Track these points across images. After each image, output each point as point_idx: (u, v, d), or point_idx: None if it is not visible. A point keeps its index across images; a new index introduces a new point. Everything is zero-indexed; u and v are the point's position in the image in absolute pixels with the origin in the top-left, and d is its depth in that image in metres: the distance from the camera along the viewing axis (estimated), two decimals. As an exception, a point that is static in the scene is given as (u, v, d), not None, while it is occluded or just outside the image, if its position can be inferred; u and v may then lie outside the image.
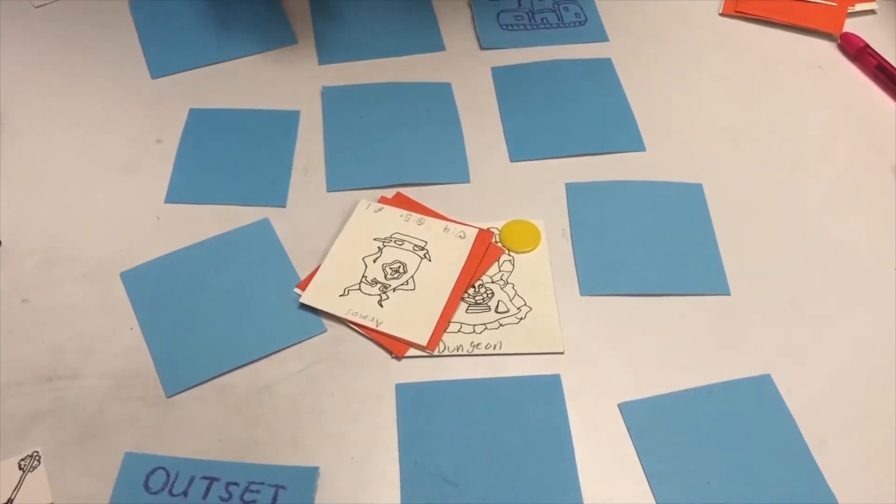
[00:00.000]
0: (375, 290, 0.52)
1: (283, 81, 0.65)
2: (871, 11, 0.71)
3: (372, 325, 0.51)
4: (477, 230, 0.55)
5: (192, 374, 0.49)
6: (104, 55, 0.66)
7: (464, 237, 0.55)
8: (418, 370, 0.50)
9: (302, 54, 0.67)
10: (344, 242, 0.55)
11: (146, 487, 0.45)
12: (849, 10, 0.71)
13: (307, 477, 0.45)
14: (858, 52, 0.67)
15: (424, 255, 0.54)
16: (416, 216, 0.56)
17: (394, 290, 0.52)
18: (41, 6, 0.70)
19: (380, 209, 0.56)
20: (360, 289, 0.52)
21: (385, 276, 0.53)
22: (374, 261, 0.54)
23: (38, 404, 0.48)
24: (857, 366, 0.51)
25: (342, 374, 0.49)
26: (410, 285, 0.53)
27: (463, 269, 0.53)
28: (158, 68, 0.65)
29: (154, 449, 0.46)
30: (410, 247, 0.54)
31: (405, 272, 0.53)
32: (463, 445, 0.47)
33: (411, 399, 0.48)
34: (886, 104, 0.65)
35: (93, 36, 0.67)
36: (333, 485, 0.45)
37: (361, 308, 0.51)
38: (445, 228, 0.55)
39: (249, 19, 0.68)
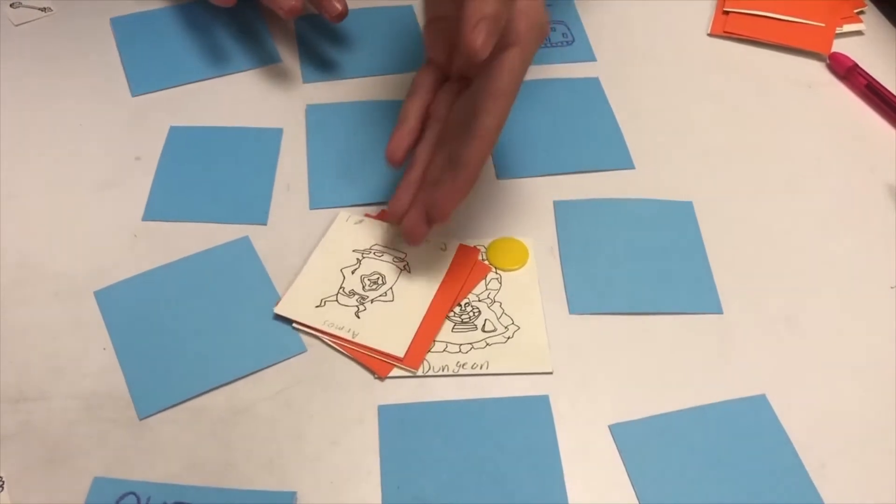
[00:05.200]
0: (353, 301, 0.51)
1: (265, 99, 0.64)
2: (859, 32, 0.71)
3: (348, 337, 0.49)
4: (458, 243, 0.54)
5: (167, 395, 0.47)
6: (85, 72, 0.65)
7: (445, 249, 0.54)
8: (402, 391, 0.48)
9: (286, 72, 0.66)
10: (322, 253, 0.53)
11: (115, 514, 0.43)
12: (837, 31, 0.70)
13: (284, 501, 0.43)
14: (847, 72, 0.67)
15: (404, 266, 0.53)
16: (396, 228, 0.55)
17: (371, 301, 0.51)
18: (22, 24, 0.69)
19: (360, 220, 0.55)
20: (337, 300, 0.51)
21: (363, 287, 0.52)
22: (353, 272, 0.52)
23: (3, 427, 0.46)
24: (856, 386, 0.49)
25: (322, 395, 0.48)
26: (389, 297, 0.51)
27: (443, 281, 0.52)
28: (139, 86, 0.64)
29: (124, 473, 0.44)
30: (390, 258, 0.53)
31: (384, 283, 0.52)
32: (448, 469, 0.45)
33: (394, 421, 0.47)
34: (877, 122, 0.64)
35: (74, 53, 0.66)
36: (312, 510, 0.43)
37: (338, 319, 0.50)
38: (426, 241, 0.54)
39: (232, 37, 0.67)
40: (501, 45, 0.46)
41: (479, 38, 0.43)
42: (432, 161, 0.52)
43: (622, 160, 0.61)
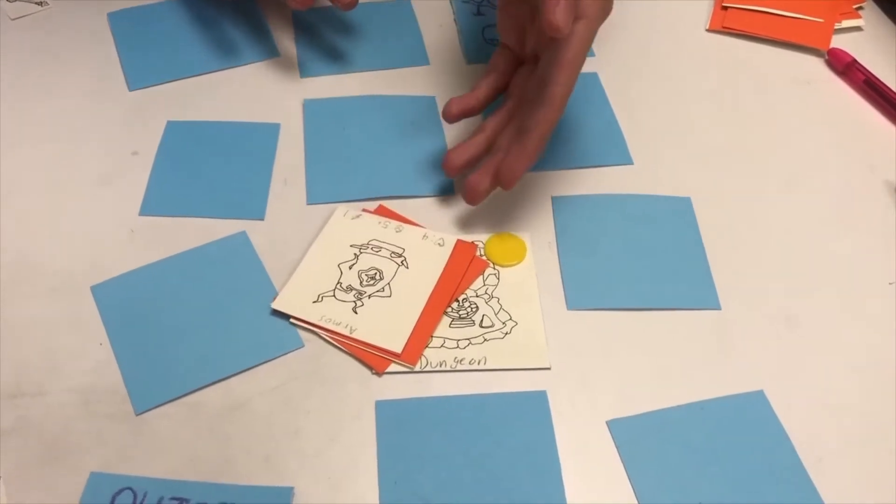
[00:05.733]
0: (350, 296, 0.51)
1: (263, 94, 0.64)
2: (858, 28, 0.71)
3: (345, 332, 0.49)
4: (456, 238, 0.54)
5: (163, 390, 0.47)
6: (81, 67, 0.65)
7: (442, 244, 0.54)
8: (399, 387, 0.48)
9: (283, 67, 0.66)
10: (319, 248, 0.53)
11: (111, 509, 0.42)
12: (835, 27, 0.70)
13: (281, 498, 0.43)
14: (846, 68, 0.67)
15: (402, 262, 0.53)
16: (394, 223, 0.55)
17: (369, 296, 0.51)
18: (18, 18, 0.68)
19: (357, 215, 0.55)
20: (334, 295, 0.51)
21: (360, 282, 0.51)
22: (350, 267, 0.52)
23: (0, 422, 0.46)
24: (854, 382, 0.49)
25: (320, 390, 0.48)
26: (386, 292, 0.51)
27: (441, 276, 0.52)
28: (136, 80, 0.64)
29: (121, 469, 0.44)
30: (387, 253, 0.53)
31: (381, 279, 0.52)
32: (445, 465, 0.45)
33: (392, 417, 0.47)
34: (875, 119, 0.64)
35: (70, 48, 0.66)
36: (309, 506, 0.43)
37: (335, 314, 0.50)
38: (424, 236, 0.54)
39: (230, 31, 0.67)
40: None
41: (560, 16, 0.47)
42: (503, 133, 0.55)
43: (620, 156, 0.61)
